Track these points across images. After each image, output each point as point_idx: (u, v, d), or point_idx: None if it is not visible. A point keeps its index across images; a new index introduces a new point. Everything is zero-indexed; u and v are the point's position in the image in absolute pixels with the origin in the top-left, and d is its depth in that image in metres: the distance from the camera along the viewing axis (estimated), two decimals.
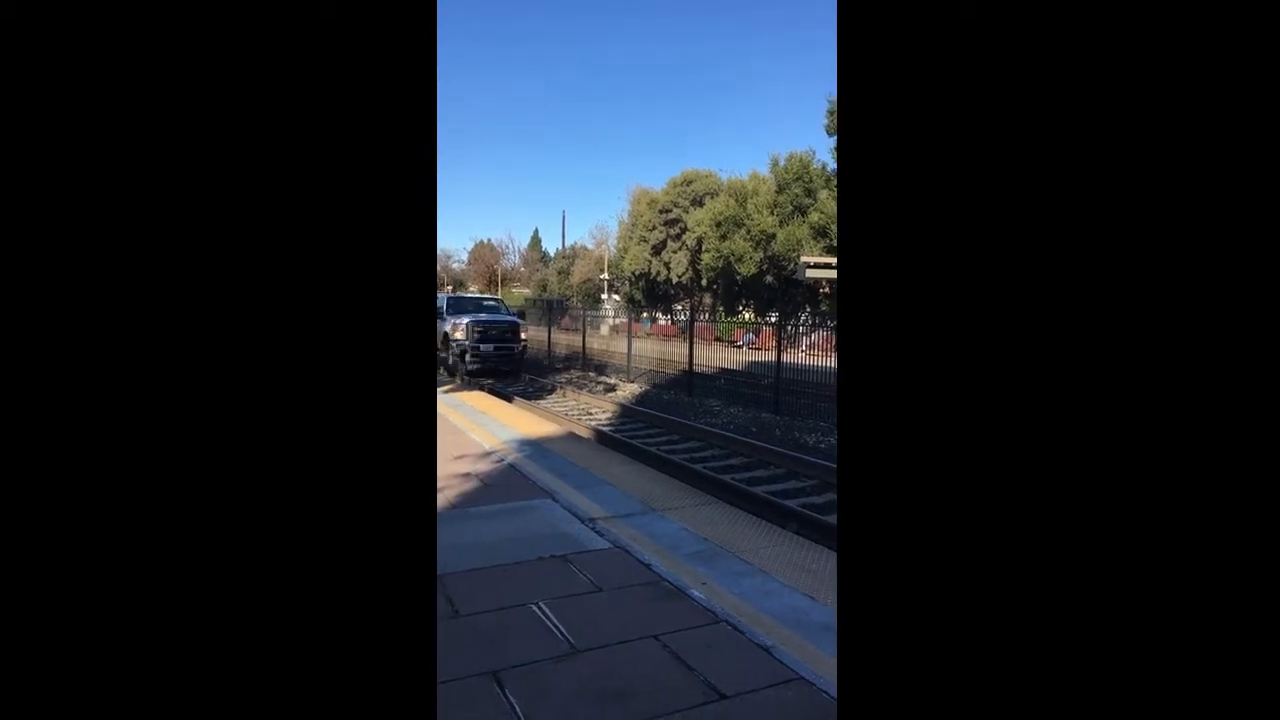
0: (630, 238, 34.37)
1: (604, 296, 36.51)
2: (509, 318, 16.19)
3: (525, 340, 16.01)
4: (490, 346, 14.70)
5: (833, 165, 24.58)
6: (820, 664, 2.36)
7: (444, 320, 14.98)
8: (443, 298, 16.29)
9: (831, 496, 6.06)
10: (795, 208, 25.09)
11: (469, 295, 20.89)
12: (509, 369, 15.39)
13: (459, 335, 14.59)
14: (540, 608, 2.74)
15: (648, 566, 3.23)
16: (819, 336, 13.18)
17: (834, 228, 22.85)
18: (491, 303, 17.65)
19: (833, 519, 5.18)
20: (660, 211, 32.47)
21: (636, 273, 32.71)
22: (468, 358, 14.46)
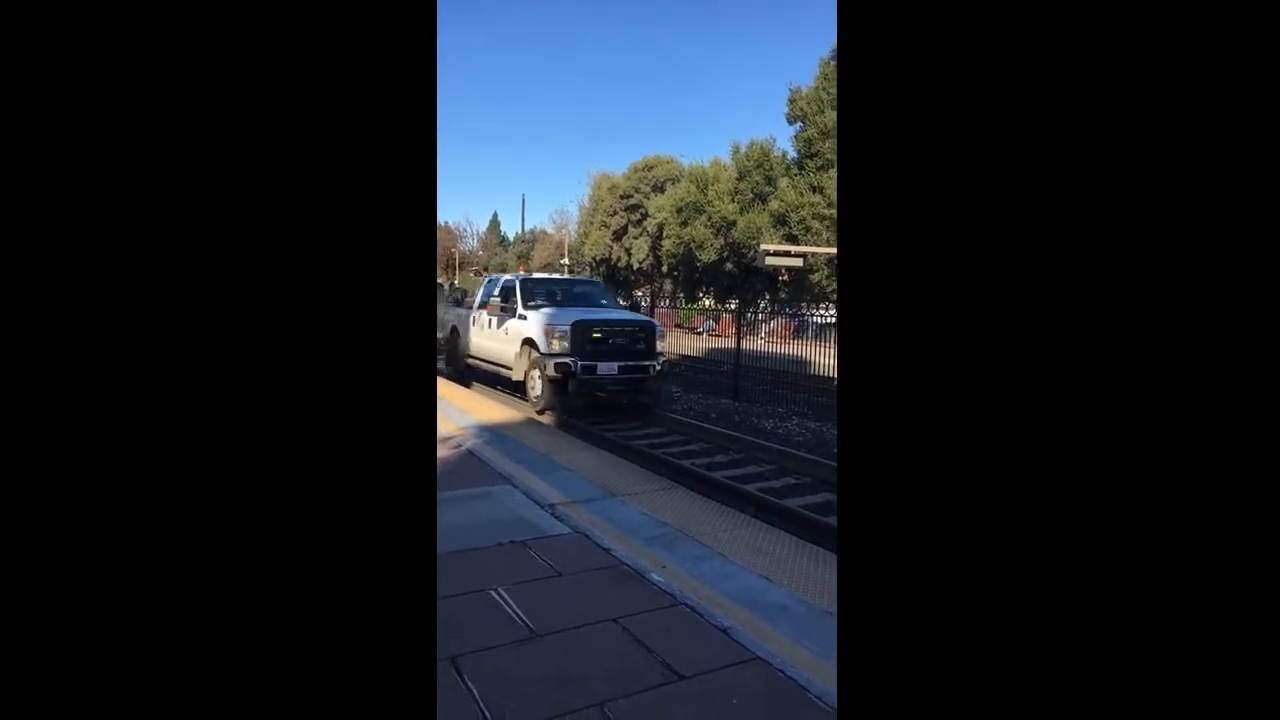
0: (591, 223, 34.17)
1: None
2: (633, 316, 9.46)
3: (664, 355, 9.23)
4: (612, 366, 8.13)
5: (792, 153, 24.81)
6: (776, 644, 2.40)
7: (503, 315, 9.21)
8: (501, 279, 10.33)
9: (789, 480, 6.16)
10: (756, 195, 25.25)
11: (548, 276, 12.56)
12: (646, 401, 8.93)
13: (552, 342, 8.10)
14: (500, 593, 2.73)
15: (607, 551, 3.24)
16: (777, 324, 13.33)
17: (793, 216, 23.10)
18: (586, 287, 10.54)
19: (789, 502, 5.27)
20: (621, 197, 32.34)
21: (597, 258, 32.57)
22: (569, 382, 8.05)
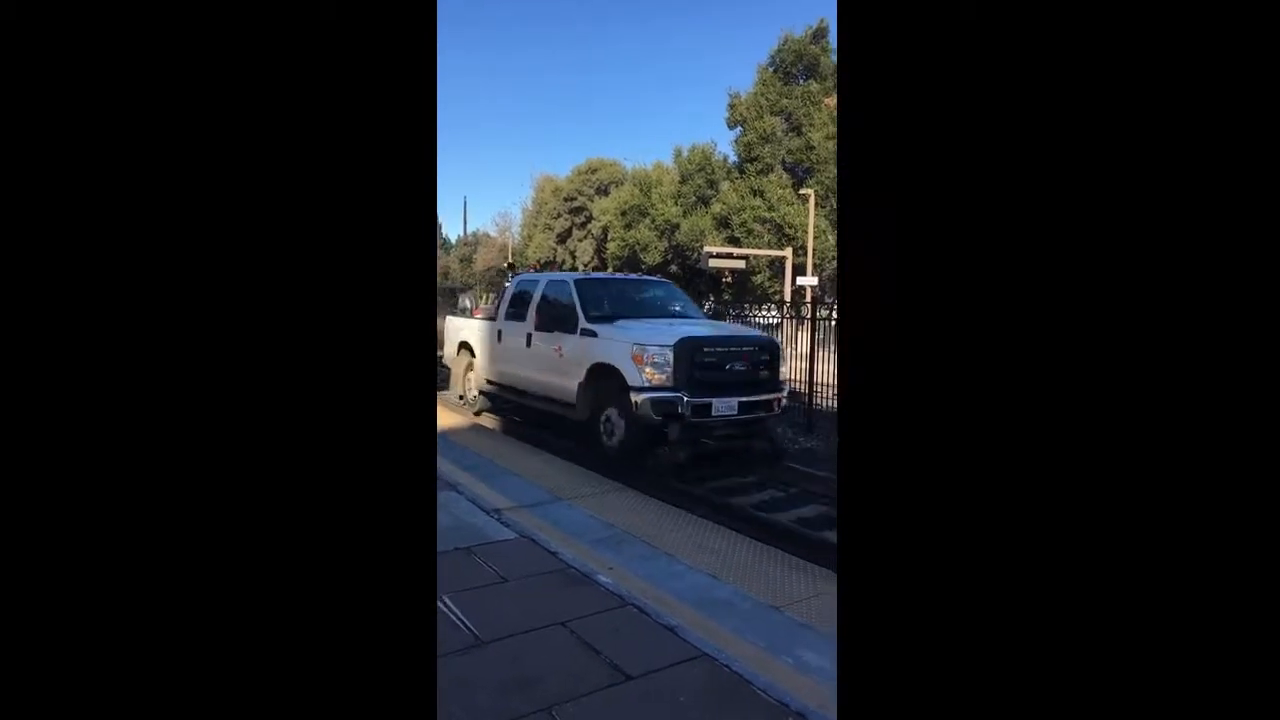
0: (535, 225, 33.94)
1: (507, 285, 35.84)
2: (748, 331, 7.17)
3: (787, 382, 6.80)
4: (731, 402, 5.56)
5: (733, 157, 25.18)
6: (722, 640, 2.45)
7: (550, 329, 6.42)
8: (541, 281, 7.12)
9: (738, 479, 6.18)
10: (698, 198, 25.54)
11: (608, 275, 9.31)
12: (764, 447, 6.21)
13: (644, 370, 5.43)
14: (445, 602, 2.69)
15: (554, 555, 3.23)
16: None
17: (735, 219, 23.45)
18: (658, 290, 7.42)
19: (735, 500, 5.33)
20: (565, 199, 32.24)
21: (542, 261, 32.34)
22: (672, 425, 5.41)
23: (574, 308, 6.27)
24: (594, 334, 5.95)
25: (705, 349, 5.57)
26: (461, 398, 8.28)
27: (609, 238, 28.44)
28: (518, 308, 7.14)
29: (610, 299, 6.64)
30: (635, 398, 5.37)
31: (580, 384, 5.95)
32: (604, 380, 5.75)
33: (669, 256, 25.98)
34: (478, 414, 7.54)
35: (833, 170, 22.49)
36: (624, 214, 27.57)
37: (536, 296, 6.91)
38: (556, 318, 6.38)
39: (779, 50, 24.12)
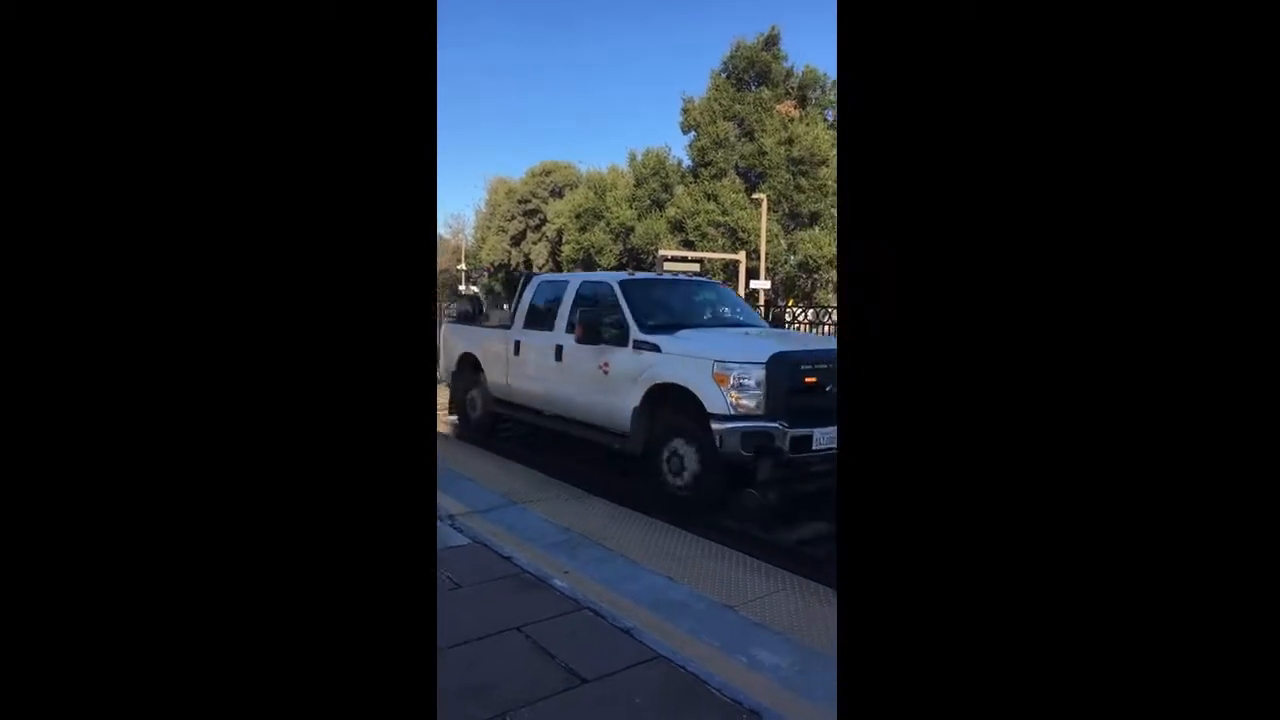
0: (488, 227, 33.60)
1: (461, 287, 35.43)
2: (817, 346, 4.87)
3: None
4: (832, 434, 4.12)
5: (687, 162, 25.37)
6: (678, 641, 2.47)
7: (593, 342, 5.07)
8: (572, 282, 5.92)
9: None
10: (653, 202, 25.66)
11: (653, 275, 7.09)
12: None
13: (730, 394, 4.15)
14: None
15: (509, 560, 3.21)
16: None
17: (689, 222, 23.63)
18: (708, 293, 6.28)
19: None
20: (519, 202, 32.02)
21: (496, 263, 32.03)
22: (763, 461, 4.11)
23: (621, 315, 5.02)
24: (654, 347, 4.66)
25: (802, 366, 4.30)
26: (465, 418, 6.72)
27: (564, 240, 28.34)
28: (540, 314, 5.93)
29: (662, 304, 5.47)
30: (718, 428, 4.13)
31: (636, 409, 4.66)
32: (669, 405, 4.53)
33: (624, 259, 26.02)
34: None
35: (784, 176, 22.90)
36: (579, 216, 27.52)
37: (567, 301, 5.63)
38: (597, 326, 5.00)
39: (731, 56, 24.42)
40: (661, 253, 22.12)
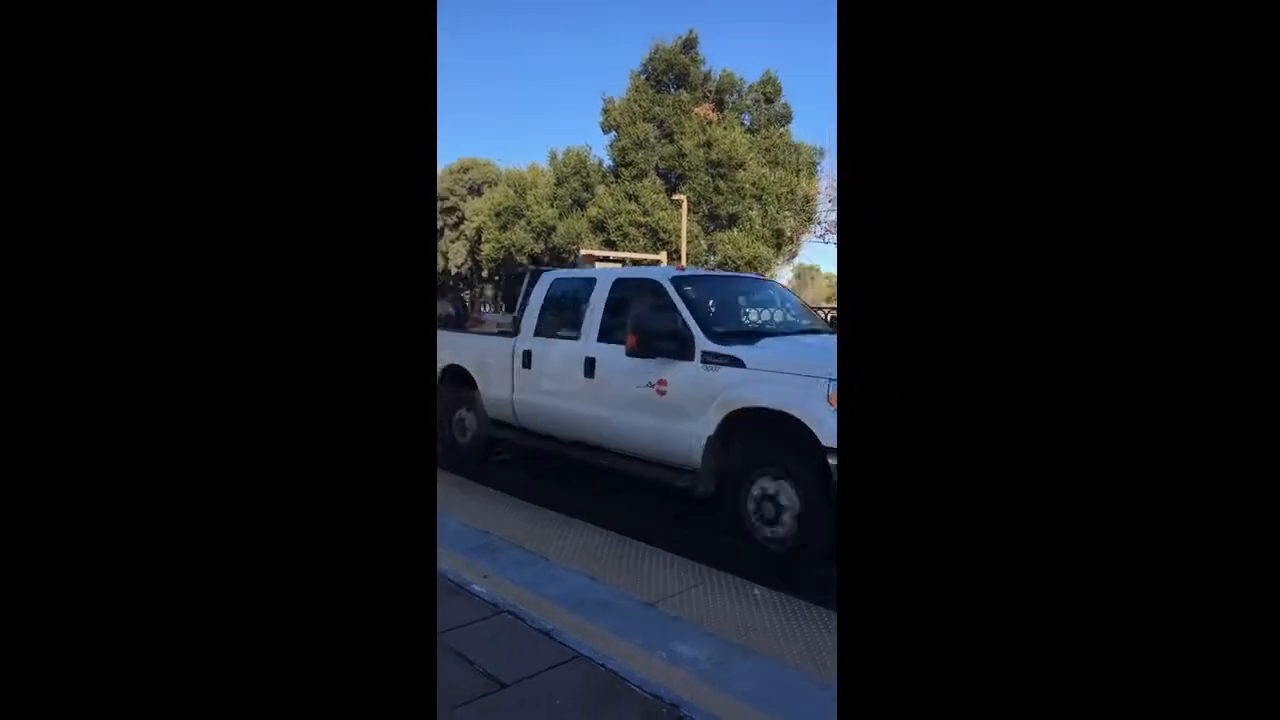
0: None
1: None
2: None
3: None
4: None
5: (608, 161, 25.40)
6: (599, 640, 2.47)
7: (644, 355, 4.03)
8: (604, 280, 4.86)
9: (617, 483, 6.18)
10: (574, 201, 25.56)
11: (704, 272, 6.20)
12: None
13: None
14: None
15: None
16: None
17: (611, 222, 23.67)
18: (775, 294, 5.26)
19: (611, 504, 5.36)
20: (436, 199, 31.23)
21: None
22: None
23: (678, 321, 4.06)
24: (733, 361, 3.75)
25: None
26: (451, 444, 5.66)
27: (484, 239, 27.85)
28: (559, 317, 4.96)
29: (728, 307, 4.59)
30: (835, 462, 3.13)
31: (710, 438, 3.74)
32: (756, 434, 3.66)
33: (546, 259, 25.82)
34: (458, 465, 5.00)
35: (703, 178, 23.27)
36: (498, 215, 27.11)
37: (597, 303, 4.62)
38: (648, 335, 3.98)
39: (650, 58, 24.62)
40: (583, 252, 22.06)
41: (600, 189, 25.21)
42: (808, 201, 23.21)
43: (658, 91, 24.63)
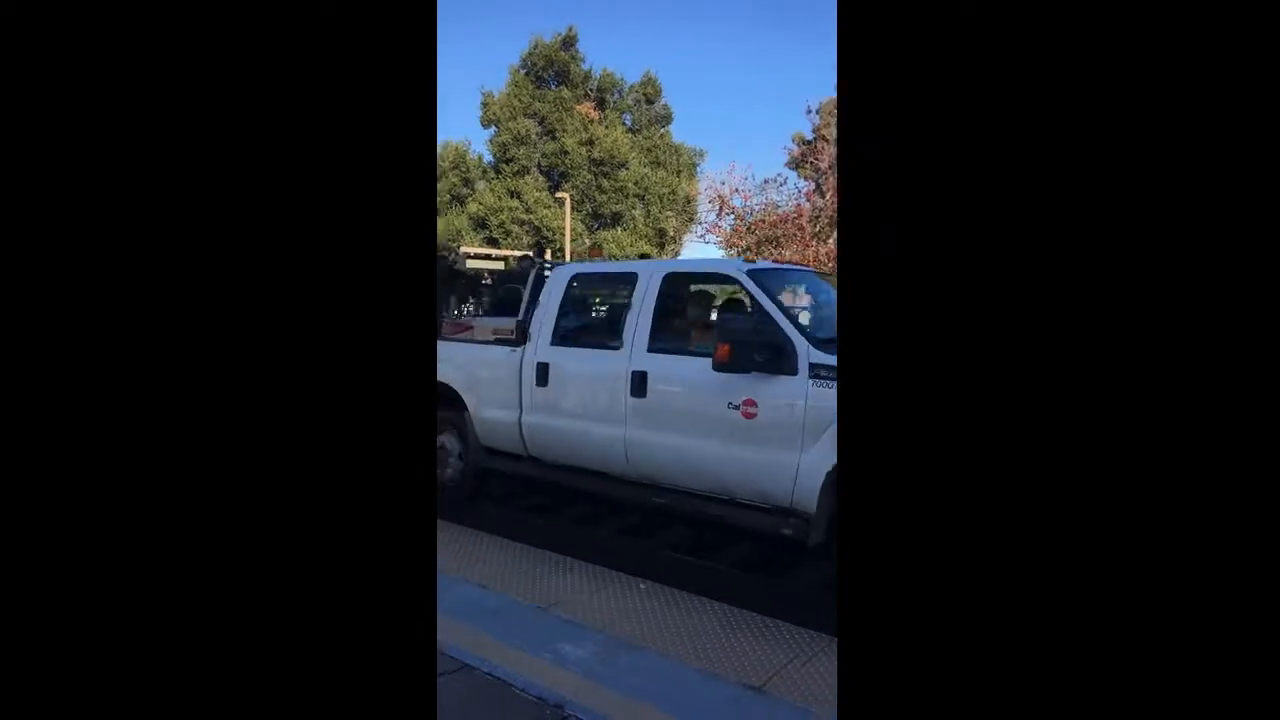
0: None
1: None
2: None
3: None
4: None
5: (489, 157, 24.94)
6: (486, 649, 2.51)
7: (744, 378, 3.17)
8: (650, 272, 3.82)
9: (512, 488, 6.04)
10: (454, 197, 24.89)
11: (783, 265, 5.09)
12: None
13: None
14: None
15: None
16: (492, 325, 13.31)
17: (493, 219, 23.26)
18: (814, 279, 4.27)
19: (507, 510, 5.32)
20: None
21: None
22: None
23: (770, 326, 3.24)
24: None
25: None
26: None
27: None
28: (584, 321, 4.26)
29: (822, 310, 3.84)
30: None
31: (828, 474, 2.96)
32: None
33: None
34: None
35: (586, 176, 23.35)
36: None
37: (644, 303, 3.74)
38: (744, 345, 3.14)
39: (530, 53, 24.37)
40: (464, 249, 21.52)
41: (481, 185, 24.71)
42: (689, 202, 23.81)
43: (538, 87, 24.43)
